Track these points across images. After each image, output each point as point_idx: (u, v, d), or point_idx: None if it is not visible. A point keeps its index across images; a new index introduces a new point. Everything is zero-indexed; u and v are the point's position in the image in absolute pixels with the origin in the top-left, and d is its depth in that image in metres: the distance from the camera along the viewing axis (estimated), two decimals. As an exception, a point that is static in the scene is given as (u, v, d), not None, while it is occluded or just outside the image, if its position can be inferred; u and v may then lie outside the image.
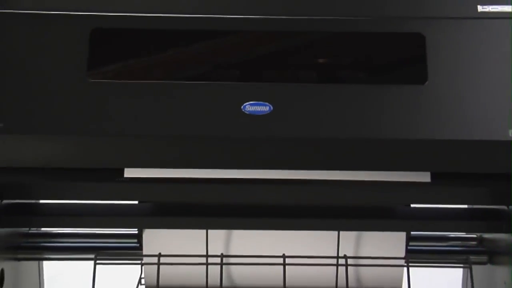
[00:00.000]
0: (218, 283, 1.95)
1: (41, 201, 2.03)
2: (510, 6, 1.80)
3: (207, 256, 1.99)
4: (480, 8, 1.80)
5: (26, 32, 1.77)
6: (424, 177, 1.79)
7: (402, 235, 2.02)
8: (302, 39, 1.80)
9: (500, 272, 1.98)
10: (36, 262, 2.18)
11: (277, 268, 1.95)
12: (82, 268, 2.32)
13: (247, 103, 1.73)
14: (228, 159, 1.75)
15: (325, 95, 1.74)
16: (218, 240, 2.03)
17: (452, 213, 2.00)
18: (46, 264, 2.24)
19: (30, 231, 2.12)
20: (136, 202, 2.00)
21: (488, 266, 2.06)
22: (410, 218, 1.98)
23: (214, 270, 1.99)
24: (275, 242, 2.02)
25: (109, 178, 1.80)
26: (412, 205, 2.00)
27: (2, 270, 1.91)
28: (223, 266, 1.97)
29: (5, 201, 1.90)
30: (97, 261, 1.96)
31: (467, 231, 2.11)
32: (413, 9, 1.81)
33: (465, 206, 2.07)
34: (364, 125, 1.72)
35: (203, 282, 2.02)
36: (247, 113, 1.72)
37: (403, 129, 1.71)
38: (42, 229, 2.14)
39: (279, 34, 1.79)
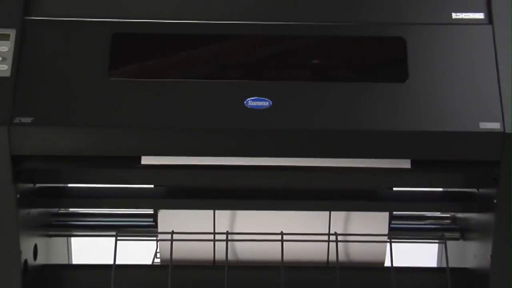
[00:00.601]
0: (224, 257, 1.99)
1: (69, 185, 2.13)
2: (481, 14, 1.89)
3: (214, 233, 2.04)
4: (454, 15, 1.90)
5: (54, 36, 1.86)
6: (405, 163, 1.86)
7: (385, 215, 2.09)
8: (299, 43, 1.89)
9: (471, 246, 2.05)
10: (65, 238, 2.26)
11: (276, 244, 2.00)
12: (105, 243, 2.35)
13: (249, 98, 1.81)
14: (232, 148, 1.81)
15: (318, 92, 1.82)
16: (224, 219, 2.08)
17: (429, 196, 2.08)
18: (73, 240, 2.33)
19: (59, 211, 2.19)
20: (152, 186, 2.09)
21: (461, 241, 2.14)
22: (393, 200, 2.06)
23: (221, 246, 2.06)
24: (274, 221, 2.08)
25: (128, 165, 1.87)
26: (394, 189, 2.08)
27: (36, 245, 1.99)
28: (228, 242, 2.01)
29: (38, 185, 1.98)
30: (118, 238, 2.01)
31: (442, 211, 2.17)
32: (395, 16, 1.90)
33: (441, 189, 2.13)
34: (353, 118, 1.79)
35: (210, 256, 2.10)
36: (249, 107, 1.80)
37: (387, 122, 1.79)
38: (70, 209, 2.21)
39: (278, 38, 1.88)
